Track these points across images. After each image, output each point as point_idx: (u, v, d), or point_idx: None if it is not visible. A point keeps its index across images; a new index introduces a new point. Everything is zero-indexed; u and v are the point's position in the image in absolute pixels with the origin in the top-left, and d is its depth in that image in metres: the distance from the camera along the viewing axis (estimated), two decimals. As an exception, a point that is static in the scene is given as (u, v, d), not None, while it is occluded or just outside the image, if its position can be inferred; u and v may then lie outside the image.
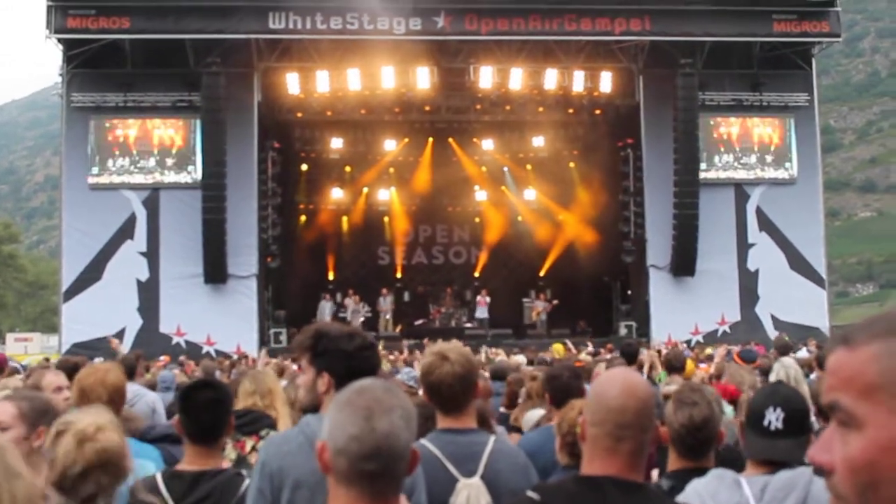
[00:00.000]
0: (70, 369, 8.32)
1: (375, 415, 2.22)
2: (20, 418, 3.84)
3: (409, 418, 2.27)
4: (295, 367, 10.85)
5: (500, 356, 17.10)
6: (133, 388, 7.32)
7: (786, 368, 6.82)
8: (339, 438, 2.23)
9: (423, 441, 3.78)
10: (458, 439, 3.78)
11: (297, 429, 3.53)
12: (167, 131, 28.34)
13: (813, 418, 5.79)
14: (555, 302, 31.98)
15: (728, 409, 5.86)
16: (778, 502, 3.32)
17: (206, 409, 4.05)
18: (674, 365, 8.74)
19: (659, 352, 12.06)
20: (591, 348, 19.70)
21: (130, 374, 8.34)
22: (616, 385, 2.83)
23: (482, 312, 30.75)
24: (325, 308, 30.48)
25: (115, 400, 4.75)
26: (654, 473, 4.20)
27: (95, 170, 27.94)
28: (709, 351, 17.53)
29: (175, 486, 3.91)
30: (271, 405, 5.71)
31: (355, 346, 3.51)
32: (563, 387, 5.56)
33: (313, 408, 3.63)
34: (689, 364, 10.39)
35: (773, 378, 6.52)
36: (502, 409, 8.11)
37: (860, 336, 1.42)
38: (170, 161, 28.24)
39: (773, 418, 3.54)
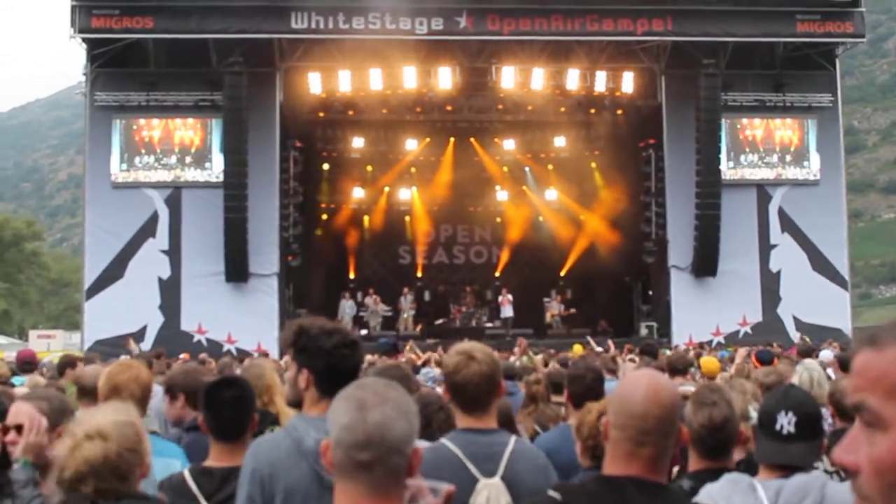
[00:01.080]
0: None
1: (368, 406, 2.24)
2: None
3: (404, 411, 2.28)
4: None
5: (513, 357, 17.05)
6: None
7: (809, 371, 6.77)
8: (334, 430, 2.26)
9: (444, 440, 3.79)
10: (480, 439, 3.77)
11: (285, 432, 3.53)
12: (187, 132, 28.45)
13: (829, 419, 5.77)
14: (572, 310, 31.95)
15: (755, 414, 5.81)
16: None
17: (230, 406, 4.06)
18: (677, 368, 8.70)
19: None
20: (612, 350, 19.61)
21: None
22: (640, 390, 2.82)
23: (507, 312, 30.68)
24: (346, 307, 30.54)
25: (146, 396, 4.83)
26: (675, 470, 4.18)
27: (125, 166, 28.09)
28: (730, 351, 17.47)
29: (204, 483, 3.93)
30: (271, 401, 5.68)
31: (333, 343, 3.51)
32: (585, 389, 5.56)
33: (297, 403, 3.66)
34: (712, 362, 10.35)
35: (795, 380, 6.47)
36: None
37: (887, 337, 1.41)
38: (188, 159, 28.36)
39: (786, 422, 3.53)
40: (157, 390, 8.37)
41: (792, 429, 3.51)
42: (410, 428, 2.28)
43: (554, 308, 31.86)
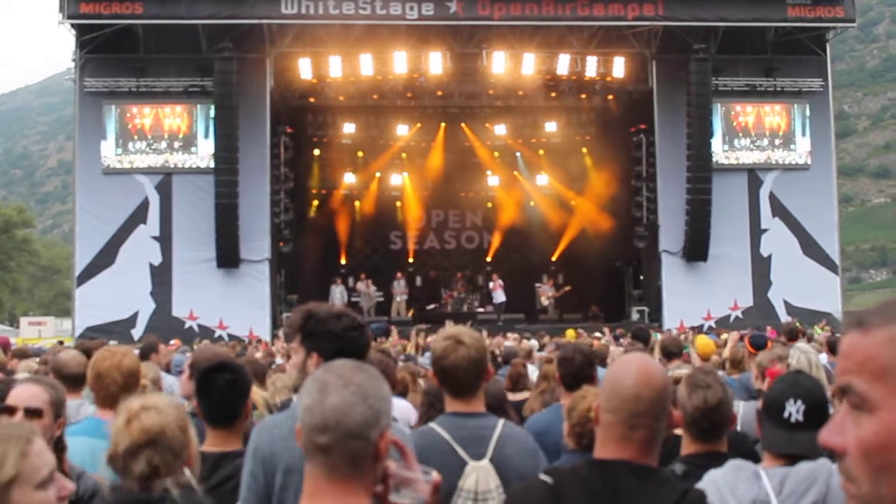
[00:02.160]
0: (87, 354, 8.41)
1: (329, 388, 2.20)
2: (51, 405, 3.87)
3: (365, 395, 2.21)
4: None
5: (508, 341, 17.09)
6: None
7: (806, 354, 6.73)
8: (299, 411, 2.26)
9: (432, 424, 3.82)
10: (468, 423, 3.79)
11: (288, 412, 3.56)
12: (175, 120, 28.37)
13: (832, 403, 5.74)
14: (567, 288, 31.95)
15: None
16: (798, 496, 3.28)
17: (225, 391, 4.06)
18: (671, 351, 8.71)
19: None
20: (607, 335, 19.65)
21: (146, 357, 8.40)
22: (631, 372, 2.81)
23: (498, 297, 30.65)
24: (336, 292, 30.52)
25: (131, 384, 4.78)
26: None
27: (119, 151, 28.02)
28: (724, 336, 17.49)
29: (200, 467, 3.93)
30: None
31: (343, 326, 3.54)
32: (575, 370, 5.57)
33: None
34: (710, 344, 10.34)
35: (792, 364, 6.44)
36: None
37: (875, 319, 1.42)
38: (176, 144, 28.29)
39: (794, 410, 3.47)
40: (162, 375, 8.41)
41: (800, 417, 3.45)
42: (373, 413, 2.21)
43: (547, 291, 31.81)
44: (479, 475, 3.64)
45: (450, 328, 4.11)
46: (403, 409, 6.29)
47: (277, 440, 3.42)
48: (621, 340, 16.03)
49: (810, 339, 13.75)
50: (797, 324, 17.32)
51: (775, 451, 3.49)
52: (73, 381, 5.38)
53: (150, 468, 3.06)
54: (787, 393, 3.53)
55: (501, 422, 3.89)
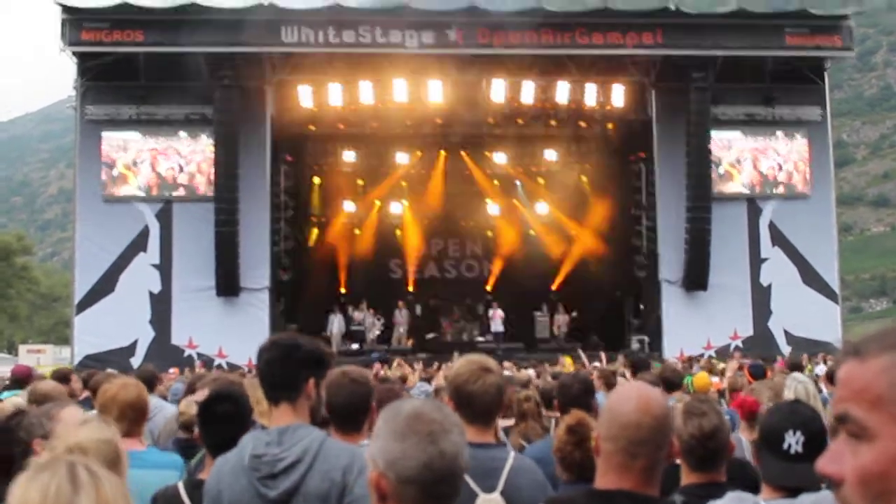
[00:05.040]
0: (63, 379, 8.48)
1: (440, 438, 2.21)
2: None
3: (464, 434, 2.30)
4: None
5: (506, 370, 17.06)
6: (153, 401, 7.34)
7: (803, 384, 6.73)
8: (408, 468, 2.18)
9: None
10: (479, 454, 3.67)
11: (239, 446, 3.57)
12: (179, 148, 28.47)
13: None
14: (573, 314, 31.94)
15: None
16: None
17: (226, 421, 4.06)
18: (672, 381, 8.70)
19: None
20: (604, 363, 19.61)
21: (150, 387, 8.38)
22: (631, 401, 2.80)
23: (497, 326, 30.60)
24: (335, 321, 30.46)
25: (127, 415, 4.77)
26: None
27: (115, 177, 28.06)
28: (721, 366, 17.46)
29: (197, 496, 3.92)
30: (265, 413, 5.68)
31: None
32: (572, 399, 5.57)
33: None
34: (704, 377, 10.34)
35: (788, 395, 6.43)
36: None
37: (871, 348, 1.43)
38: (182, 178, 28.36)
39: (793, 441, 3.43)
40: (163, 404, 8.40)
41: (800, 448, 3.41)
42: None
43: (559, 320, 31.77)
44: None
45: (471, 355, 4.09)
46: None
47: (223, 476, 3.46)
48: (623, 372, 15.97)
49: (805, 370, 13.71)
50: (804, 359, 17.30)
51: (775, 483, 3.44)
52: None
53: None
54: (786, 423, 3.49)
55: (512, 454, 3.86)
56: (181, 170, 28.39)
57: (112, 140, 28.18)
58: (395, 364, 18.74)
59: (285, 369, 3.58)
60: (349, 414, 4.06)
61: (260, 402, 5.72)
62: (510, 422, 7.84)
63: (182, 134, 28.49)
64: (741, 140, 30.12)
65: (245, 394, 4.57)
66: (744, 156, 30.09)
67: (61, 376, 8.98)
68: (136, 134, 28.33)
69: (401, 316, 31.34)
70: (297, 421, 3.51)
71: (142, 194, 28.22)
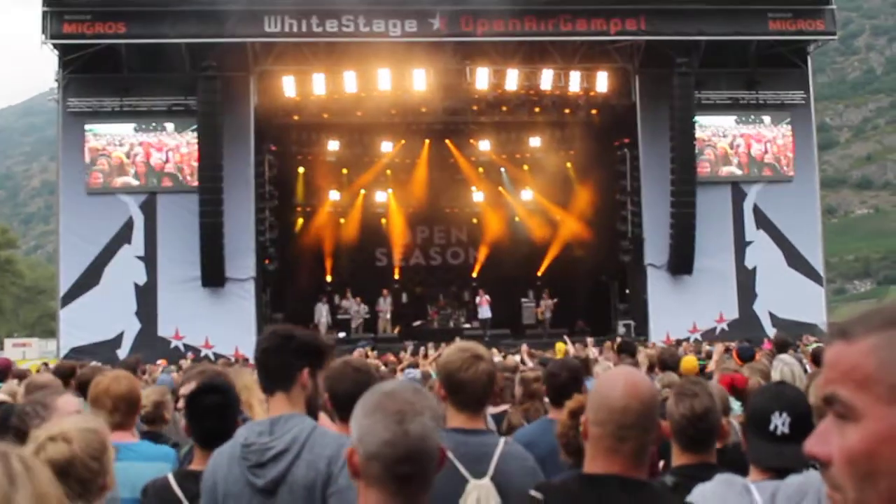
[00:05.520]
0: (66, 374, 8.36)
1: (407, 418, 2.22)
2: None
3: (438, 419, 2.29)
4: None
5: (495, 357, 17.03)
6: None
7: (789, 366, 6.75)
8: (372, 444, 2.22)
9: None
10: (470, 440, 3.75)
11: (234, 436, 3.59)
12: (162, 139, 28.36)
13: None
14: (555, 300, 31.95)
15: (735, 405, 5.80)
16: None
17: (214, 413, 4.06)
18: (668, 363, 8.73)
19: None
20: (593, 348, 19.61)
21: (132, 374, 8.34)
22: (619, 385, 2.82)
23: (485, 312, 30.65)
24: (322, 310, 30.43)
25: (120, 407, 4.78)
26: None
27: (98, 169, 27.96)
28: (707, 348, 17.49)
29: (189, 487, 3.93)
30: (247, 401, 5.66)
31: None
32: (561, 386, 5.58)
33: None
34: (692, 360, 10.37)
35: (775, 376, 6.45)
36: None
37: (858, 329, 1.43)
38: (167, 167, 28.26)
39: (780, 423, 3.42)
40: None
41: (786, 429, 3.40)
42: (438, 429, 2.29)
43: (543, 304, 31.81)
44: (480, 493, 3.61)
45: (462, 342, 4.09)
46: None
47: (218, 467, 3.48)
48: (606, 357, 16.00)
49: (795, 350, 13.77)
50: (788, 340, 17.34)
51: (763, 465, 3.43)
52: None
53: None
54: (772, 405, 3.48)
55: (503, 440, 3.88)
56: (165, 161, 28.28)
57: (95, 132, 28.05)
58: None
59: (279, 359, 3.60)
60: (351, 403, 4.07)
61: (247, 389, 5.73)
62: (500, 408, 7.86)
63: (165, 125, 28.36)
64: (728, 124, 30.18)
65: (232, 384, 4.55)
66: (736, 142, 30.15)
67: (63, 372, 8.82)
68: (118, 126, 28.18)
69: (385, 304, 31.32)
70: (291, 410, 3.53)
71: (125, 186, 28.11)
